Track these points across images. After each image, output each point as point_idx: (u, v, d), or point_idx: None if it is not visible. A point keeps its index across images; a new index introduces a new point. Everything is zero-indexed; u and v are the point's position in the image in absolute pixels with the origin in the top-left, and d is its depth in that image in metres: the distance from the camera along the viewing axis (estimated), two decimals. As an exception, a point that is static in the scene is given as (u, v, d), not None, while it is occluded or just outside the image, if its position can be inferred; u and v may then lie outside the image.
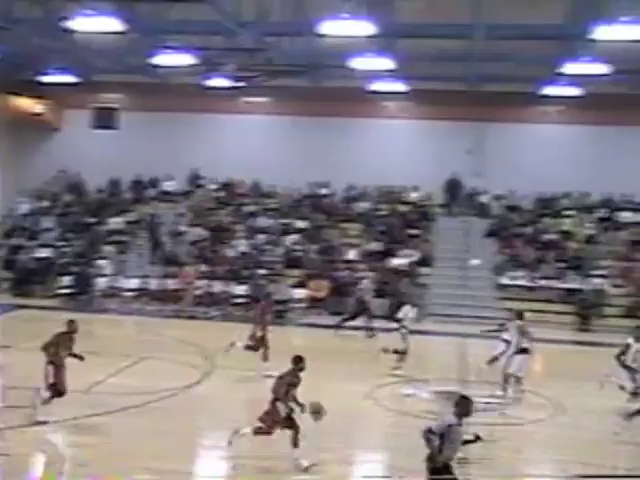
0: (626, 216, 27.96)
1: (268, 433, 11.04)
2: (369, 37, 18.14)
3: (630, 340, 14.52)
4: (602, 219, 28.11)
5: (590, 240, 27.16)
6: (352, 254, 26.78)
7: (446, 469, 8.72)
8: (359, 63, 21.36)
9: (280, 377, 11.22)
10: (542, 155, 28.35)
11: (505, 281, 25.63)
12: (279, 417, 10.96)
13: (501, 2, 18.88)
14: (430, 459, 8.71)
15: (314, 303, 25.12)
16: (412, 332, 17.65)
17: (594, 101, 26.42)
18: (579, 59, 20.07)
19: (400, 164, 28.71)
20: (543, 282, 25.38)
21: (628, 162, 27.75)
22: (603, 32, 16.00)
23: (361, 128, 29.40)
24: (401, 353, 17.07)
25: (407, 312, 17.61)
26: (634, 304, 24.15)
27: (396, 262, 26.07)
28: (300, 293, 25.12)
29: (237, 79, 25.72)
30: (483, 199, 29.08)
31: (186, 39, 21.88)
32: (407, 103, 28.79)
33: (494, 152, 28.48)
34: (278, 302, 23.08)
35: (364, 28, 16.94)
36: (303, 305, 24.89)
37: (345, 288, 24.75)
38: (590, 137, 28.36)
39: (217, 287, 25.47)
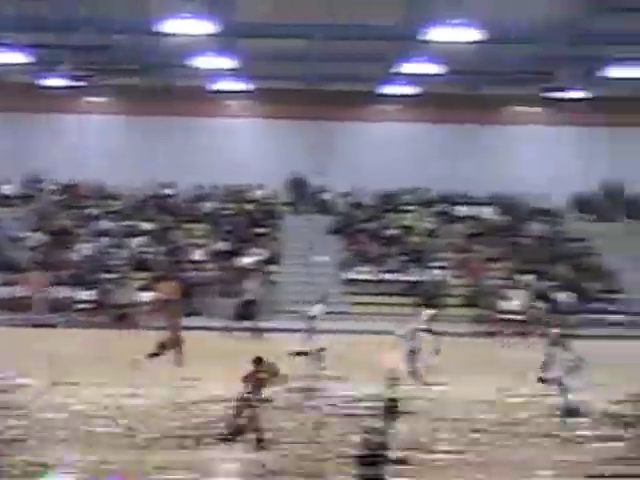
0: (463, 210, 29.32)
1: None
2: (210, 36, 18.15)
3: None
4: (441, 213, 29.32)
5: (430, 234, 28.24)
6: (199, 254, 26.61)
7: None
8: (201, 62, 21.31)
9: (246, 378, 11.13)
10: (383, 152, 29.20)
11: (351, 276, 26.23)
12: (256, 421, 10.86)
13: (340, 3, 19.31)
14: None
15: (163, 305, 24.74)
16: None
17: (431, 100, 27.51)
18: (415, 59, 20.83)
19: (245, 163, 28.83)
20: (387, 276, 26.14)
21: (466, 158, 29.08)
22: (436, 33, 16.67)
23: (206, 127, 29.29)
24: (303, 354, 16.37)
25: (320, 310, 17.61)
26: (472, 294, 25.30)
27: (244, 261, 26.13)
28: (148, 296, 24.70)
29: (74, 78, 24.98)
30: (327, 196, 29.67)
31: (18, 37, 21.05)
32: (250, 102, 28.96)
33: (336, 150, 29.11)
34: (124, 306, 22.68)
35: (205, 27, 16.96)
36: (150, 308, 24.47)
37: (193, 289, 24.57)
38: (428, 135, 29.48)
39: (61, 292, 24.68)
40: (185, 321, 19.33)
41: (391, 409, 11.13)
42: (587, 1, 18.11)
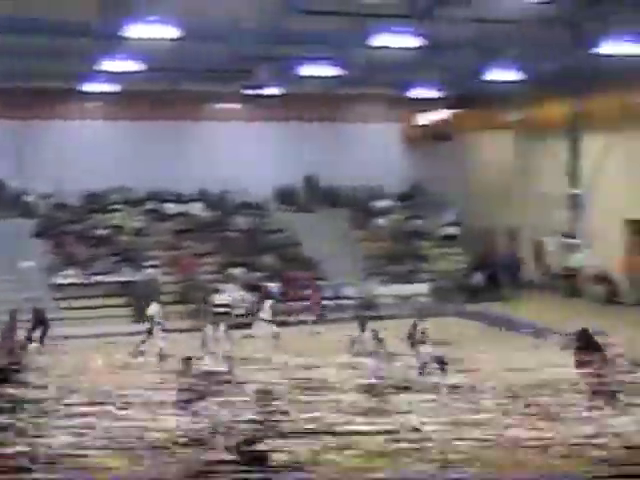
0: (171, 207, 29.41)
1: None
2: None
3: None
4: (149, 211, 29.18)
5: (139, 232, 28.03)
6: None
7: None
8: None
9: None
10: (87, 152, 28.38)
11: (59, 280, 25.29)
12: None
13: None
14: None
15: None
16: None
17: (133, 97, 27.24)
18: (114, 56, 20.52)
19: None
20: (98, 277, 25.54)
21: (173, 155, 29.15)
22: (134, 30, 16.56)
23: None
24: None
25: (157, 311, 18.25)
26: (184, 289, 25.49)
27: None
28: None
29: None
30: (28, 199, 28.33)
31: None
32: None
33: (37, 150, 27.86)
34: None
35: None
36: None
37: None
38: (133, 133, 29.10)
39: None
40: None
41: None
42: (280, 2, 18.93)
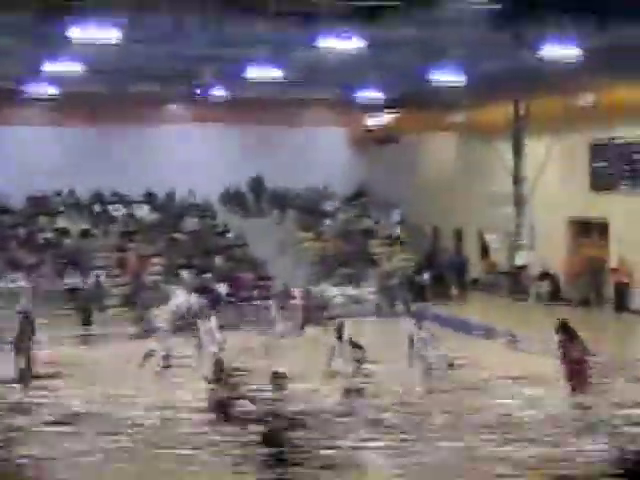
0: (117, 210, 29.16)
1: None
2: None
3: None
4: (96, 214, 28.88)
5: (85, 235, 27.72)
6: None
7: None
8: None
9: None
10: (31, 155, 27.99)
11: (3, 285, 24.88)
12: None
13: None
14: None
15: None
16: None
17: (76, 100, 26.89)
18: (56, 58, 20.25)
19: None
20: (43, 281, 25.20)
21: (120, 158, 28.89)
22: (76, 32, 16.38)
23: None
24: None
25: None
26: (131, 292, 25.29)
27: None
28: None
29: None
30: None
31: None
32: None
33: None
34: None
35: None
36: None
37: None
38: (76, 136, 28.79)
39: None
40: None
41: None
42: (225, 4, 18.86)
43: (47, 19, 19.16)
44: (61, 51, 20.00)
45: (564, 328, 14.06)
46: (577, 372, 12.94)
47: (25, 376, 15.63)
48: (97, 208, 29.04)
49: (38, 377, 15.44)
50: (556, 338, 14.13)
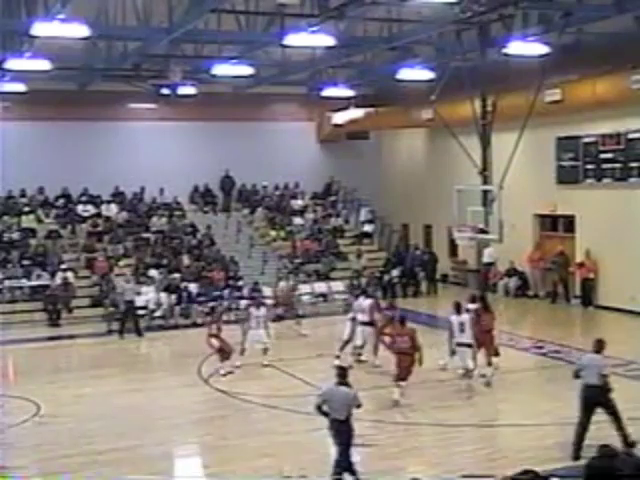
0: (86, 209, 28.87)
1: None
2: None
3: None
4: (63, 213, 28.57)
5: (52, 235, 27.44)
6: None
7: None
8: None
9: None
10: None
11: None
12: None
13: None
14: None
15: None
16: None
17: (42, 97, 26.60)
18: (20, 55, 20.00)
19: None
20: (8, 282, 24.89)
21: (87, 156, 28.60)
22: (41, 28, 16.18)
23: None
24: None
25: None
26: (100, 292, 25.06)
27: None
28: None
29: None
30: None
31: None
32: None
33: None
34: None
35: None
36: None
37: None
38: (42, 134, 28.31)
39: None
40: None
41: None
42: (189, 2, 18.77)
43: (11, 15, 18.99)
44: (26, 47, 19.76)
45: (481, 299, 16.48)
46: (484, 338, 15.49)
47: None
48: (64, 207, 28.72)
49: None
50: (471, 307, 16.17)
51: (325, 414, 10.29)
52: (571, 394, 11.87)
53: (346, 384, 10.46)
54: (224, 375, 16.51)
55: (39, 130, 28.25)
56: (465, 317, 15.19)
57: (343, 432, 10.17)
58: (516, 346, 19.16)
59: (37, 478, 11.02)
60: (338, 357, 16.96)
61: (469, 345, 14.97)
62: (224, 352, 16.74)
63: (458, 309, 15.30)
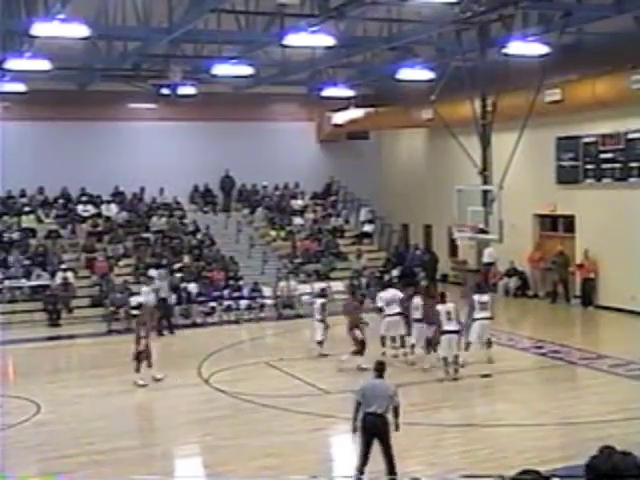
0: (86, 209, 28.85)
1: None
2: None
3: None
4: (63, 214, 28.55)
5: (51, 235, 27.43)
6: None
7: None
8: None
9: None
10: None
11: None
12: None
13: None
14: None
15: None
16: None
17: (42, 97, 26.58)
18: (20, 55, 20.00)
19: None
20: (8, 282, 24.88)
21: (86, 156, 28.58)
22: (41, 28, 16.19)
23: None
24: None
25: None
26: (100, 292, 25.05)
27: None
28: None
29: None
30: None
31: None
32: None
33: None
34: None
35: None
36: None
37: None
38: (43, 134, 28.29)
39: None
40: None
41: None
42: (189, 2, 18.79)
43: (11, 15, 18.99)
44: (26, 48, 19.76)
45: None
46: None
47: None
48: (65, 207, 28.70)
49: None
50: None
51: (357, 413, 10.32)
52: (571, 394, 11.85)
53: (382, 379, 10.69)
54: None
55: (39, 130, 28.23)
56: (450, 306, 16.13)
57: (380, 426, 10.22)
58: (516, 346, 19.19)
59: (37, 478, 11.01)
60: (383, 354, 16.95)
61: (457, 332, 15.93)
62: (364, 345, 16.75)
63: (443, 299, 16.36)
